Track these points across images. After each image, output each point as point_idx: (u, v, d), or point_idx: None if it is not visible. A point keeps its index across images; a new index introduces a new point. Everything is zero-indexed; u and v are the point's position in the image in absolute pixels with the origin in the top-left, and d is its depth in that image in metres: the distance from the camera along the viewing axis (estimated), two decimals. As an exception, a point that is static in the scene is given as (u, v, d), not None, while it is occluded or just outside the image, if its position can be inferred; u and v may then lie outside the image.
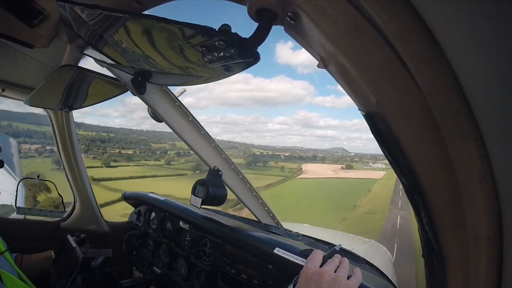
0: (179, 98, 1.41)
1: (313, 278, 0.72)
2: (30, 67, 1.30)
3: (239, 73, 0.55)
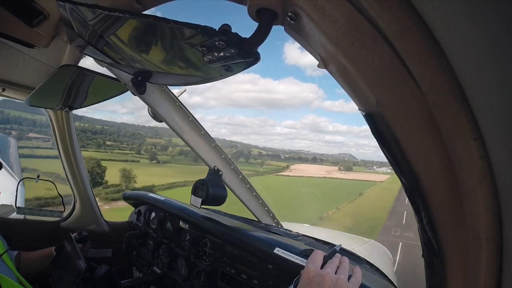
0: (179, 98, 1.41)
1: (314, 280, 0.72)
2: (30, 67, 1.31)
3: (239, 73, 0.55)
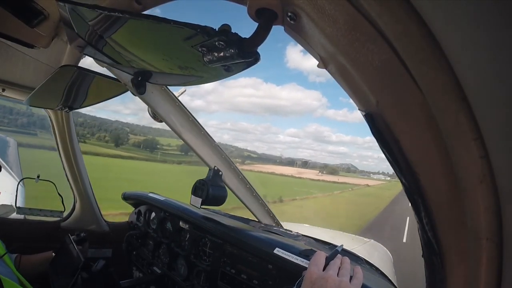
0: (179, 98, 1.41)
1: (317, 283, 0.72)
2: (30, 67, 1.31)
3: (239, 73, 0.55)
